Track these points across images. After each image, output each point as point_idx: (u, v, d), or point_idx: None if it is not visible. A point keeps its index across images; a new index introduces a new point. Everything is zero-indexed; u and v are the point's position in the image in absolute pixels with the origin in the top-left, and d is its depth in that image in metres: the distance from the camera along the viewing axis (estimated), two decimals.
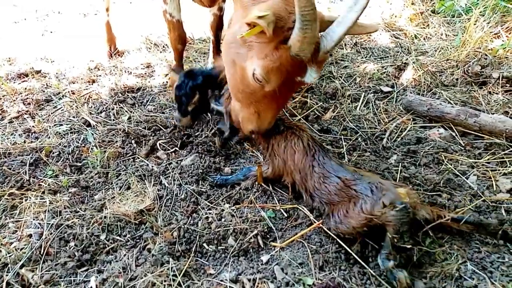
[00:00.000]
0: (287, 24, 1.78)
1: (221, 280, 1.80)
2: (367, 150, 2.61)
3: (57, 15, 4.84)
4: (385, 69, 3.51)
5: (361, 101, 3.11)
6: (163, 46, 3.99)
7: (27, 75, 3.46)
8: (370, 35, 3.94)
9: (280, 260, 1.90)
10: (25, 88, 3.28)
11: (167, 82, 3.34)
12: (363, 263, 1.86)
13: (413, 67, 3.37)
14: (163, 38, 4.10)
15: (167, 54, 3.85)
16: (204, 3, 2.90)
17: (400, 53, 3.73)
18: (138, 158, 2.56)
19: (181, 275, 1.80)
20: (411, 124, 2.83)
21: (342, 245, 1.92)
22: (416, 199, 1.90)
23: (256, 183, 2.32)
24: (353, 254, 1.88)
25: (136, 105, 3.09)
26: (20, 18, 4.70)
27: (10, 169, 2.41)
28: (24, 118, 2.93)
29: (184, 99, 2.51)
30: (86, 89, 3.27)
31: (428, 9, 4.38)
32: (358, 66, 3.55)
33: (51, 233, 1.99)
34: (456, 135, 2.68)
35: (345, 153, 2.57)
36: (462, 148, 2.59)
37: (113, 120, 2.89)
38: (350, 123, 2.86)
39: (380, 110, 3.01)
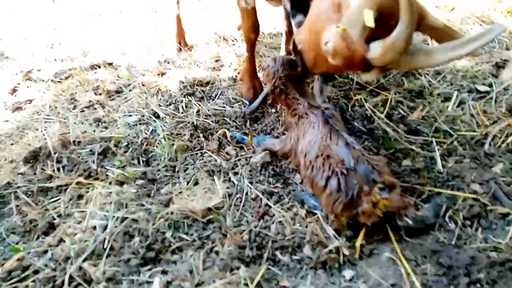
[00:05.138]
0: (391, 21, 1.52)
1: None
2: (466, 156, 2.24)
3: (130, 12, 4.91)
4: (480, 66, 3.08)
5: (453, 100, 2.73)
6: (233, 40, 3.85)
7: (99, 67, 3.48)
8: (460, 28, 3.52)
9: (367, 278, 1.63)
10: (97, 79, 3.28)
11: (237, 76, 3.18)
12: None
13: None
14: (232, 32, 3.96)
15: (236, 48, 3.71)
16: None
17: (497, 49, 3.28)
18: (206, 152, 2.40)
19: (253, 284, 1.58)
20: None
21: (443, 266, 1.61)
22: None
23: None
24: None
25: (205, 98, 2.95)
26: (94, 12, 4.83)
27: (79, 157, 2.35)
28: (95, 108, 2.90)
29: None
30: (156, 82, 3.20)
31: None
32: (448, 63, 3.15)
33: (115, 226, 1.87)
34: None
35: (438, 157, 2.23)
36: None
37: (182, 113, 2.77)
38: (442, 124, 2.49)
39: (478, 111, 2.60)
